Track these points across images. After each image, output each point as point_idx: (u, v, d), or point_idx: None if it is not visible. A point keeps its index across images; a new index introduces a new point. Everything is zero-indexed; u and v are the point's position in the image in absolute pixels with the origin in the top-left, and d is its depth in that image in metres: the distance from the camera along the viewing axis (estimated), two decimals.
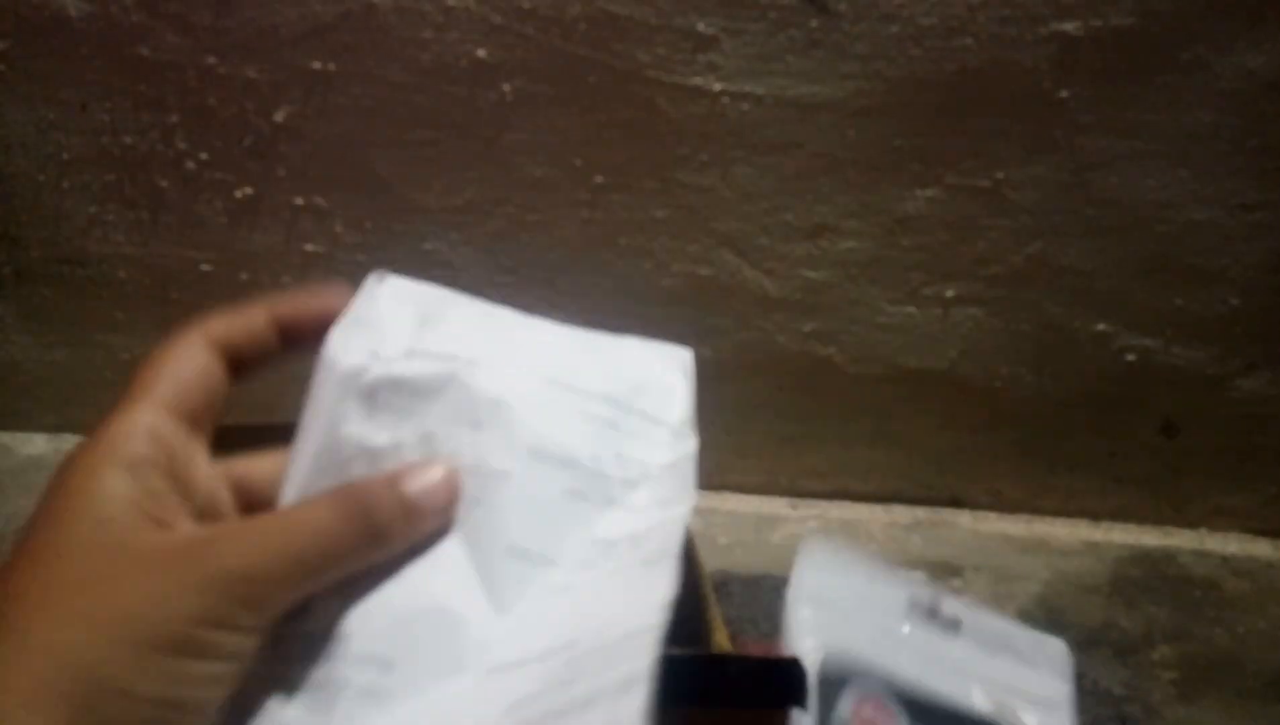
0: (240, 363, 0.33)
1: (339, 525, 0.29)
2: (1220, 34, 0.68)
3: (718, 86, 0.72)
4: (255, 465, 0.34)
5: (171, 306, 0.84)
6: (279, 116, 0.75)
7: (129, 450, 0.29)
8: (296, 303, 0.34)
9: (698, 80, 0.72)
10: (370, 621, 0.30)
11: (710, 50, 0.71)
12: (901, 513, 0.90)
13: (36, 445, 0.91)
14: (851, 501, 0.90)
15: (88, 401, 0.90)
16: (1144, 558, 0.87)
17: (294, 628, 0.29)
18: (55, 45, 0.73)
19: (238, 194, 0.78)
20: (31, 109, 0.76)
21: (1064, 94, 0.71)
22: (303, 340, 0.34)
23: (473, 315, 0.36)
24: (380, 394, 0.32)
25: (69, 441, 0.91)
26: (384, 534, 0.30)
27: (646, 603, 0.30)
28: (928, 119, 0.72)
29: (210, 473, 0.32)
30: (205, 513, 0.31)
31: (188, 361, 0.33)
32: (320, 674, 0.29)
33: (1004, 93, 0.71)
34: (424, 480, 0.31)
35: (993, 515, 0.90)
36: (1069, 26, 0.68)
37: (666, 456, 0.35)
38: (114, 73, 0.73)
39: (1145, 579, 0.85)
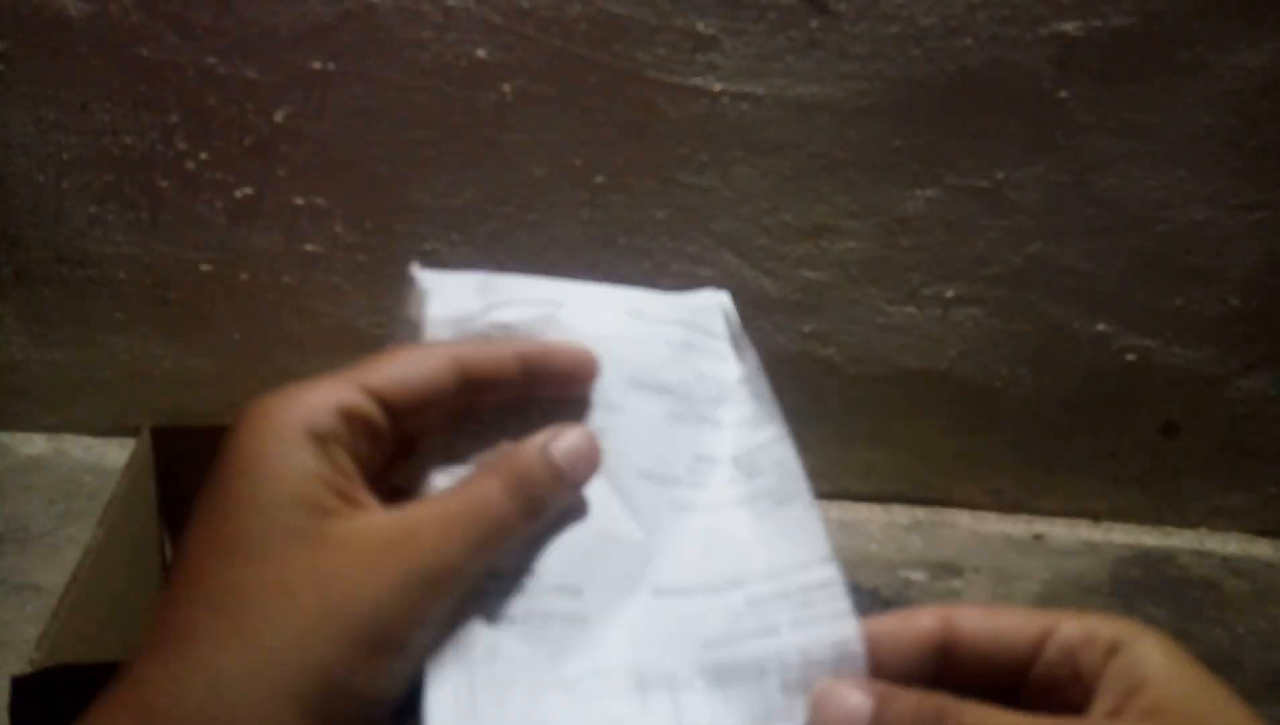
0: (482, 393, 0.32)
1: (508, 504, 0.29)
2: (1219, 35, 0.68)
3: (718, 86, 0.72)
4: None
5: (171, 306, 0.84)
6: (279, 116, 0.75)
7: (319, 423, 0.28)
8: (550, 352, 0.34)
9: (698, 80, 0.72)
10: (552, 554, 0.31)
11: (710, 50, 0.71)
12: (901, 513, 0.90)
13: (36, 445, 0.91)
14: (851, 501, 0.90)
15: (88, 401, 0.90)
16: (1144, 558, 0.87)
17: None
18: (55, 45, 0.73)
19: (238, 194, 0.78)
20: (31, 109, 0.76)
21: (1064, 94, 0.71)
22: (542, 387, 0.33)
23: (522, 279, 0.38)
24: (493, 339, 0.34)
25: (69, 441, 0.91)
26: (543, 506, 0.30)
27: (806, 547, 0.33)
28: (928, 119, 0.72)
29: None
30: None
31: (416, 364, 0.31)
32: (524, 608, 0.30)
33: (1004, 93, 0.71)
34: (570, 444, 0.31)
35: (993, 515, 0.90)
36: (1069, 26, 0.68)
37: (736, 371, 0.39)
38: (114, 73, 0.73)
39: (1145, 579, 0.85)
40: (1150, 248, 0.77)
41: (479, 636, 0.29)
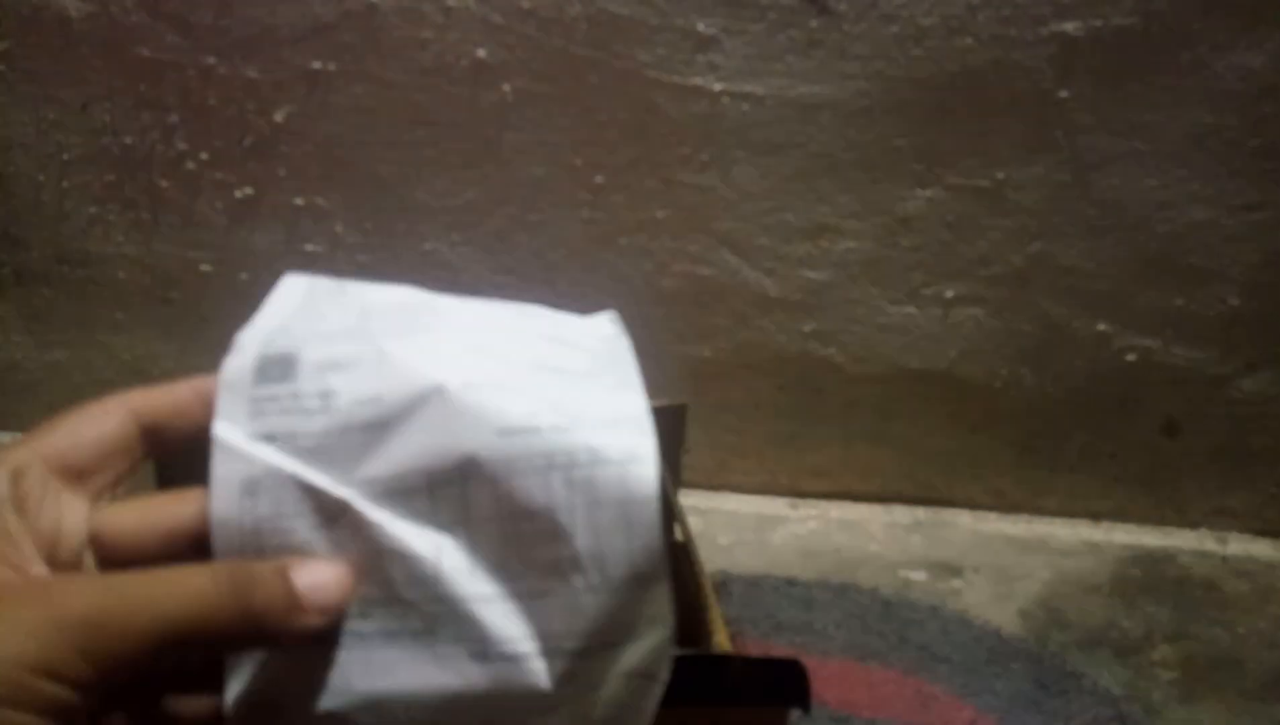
0: (163, 437, 0.32)
1: (214, 596, 0.27)
2: (1220, 35, 0.68)
3: (718, 86, 0.72)
4: (115, 518, 0.31)
5: (171, 306, 0.84)
6: (279, 116, 0.75)
7: None
8: (152, 396, 0.33)
9: (698, 80, 0.72)
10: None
11: (710, 50, 0.71)
12: (901, 513, 0.90)
13: None
14: (851, 501, 0.90)
15: (88, 402, 0.90)
16: (1144, 558, 0.87)
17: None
18: (55, 45, 0.73)
19: (238, 194, 0.78)
20: (31, 109, 0.76)
21: (1064, 94, 0.71)
22: (169, 441, 0.33)
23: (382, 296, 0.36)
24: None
25: None
26: (262, 619, 0.27)
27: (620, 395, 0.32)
28: (928, 119, 0.72)
29: (80, 534, 0.30)
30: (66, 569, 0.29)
31: (91, 421, 0.32)
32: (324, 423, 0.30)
33: (1004, 93, 0.71)
34: (314, 575, 0.28)
35: (993, 515, 0.90)
36: (1069, 26, 0.68)
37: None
38: (114, 73, 0.73)
39: (1145, 579, 0.85)
40: (1150, 248, 0.77)
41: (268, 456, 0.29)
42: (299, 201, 0.78)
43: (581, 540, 0.29)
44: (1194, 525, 0.91)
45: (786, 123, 0.73)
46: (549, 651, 0.29)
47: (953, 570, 0.84)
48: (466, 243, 0.79)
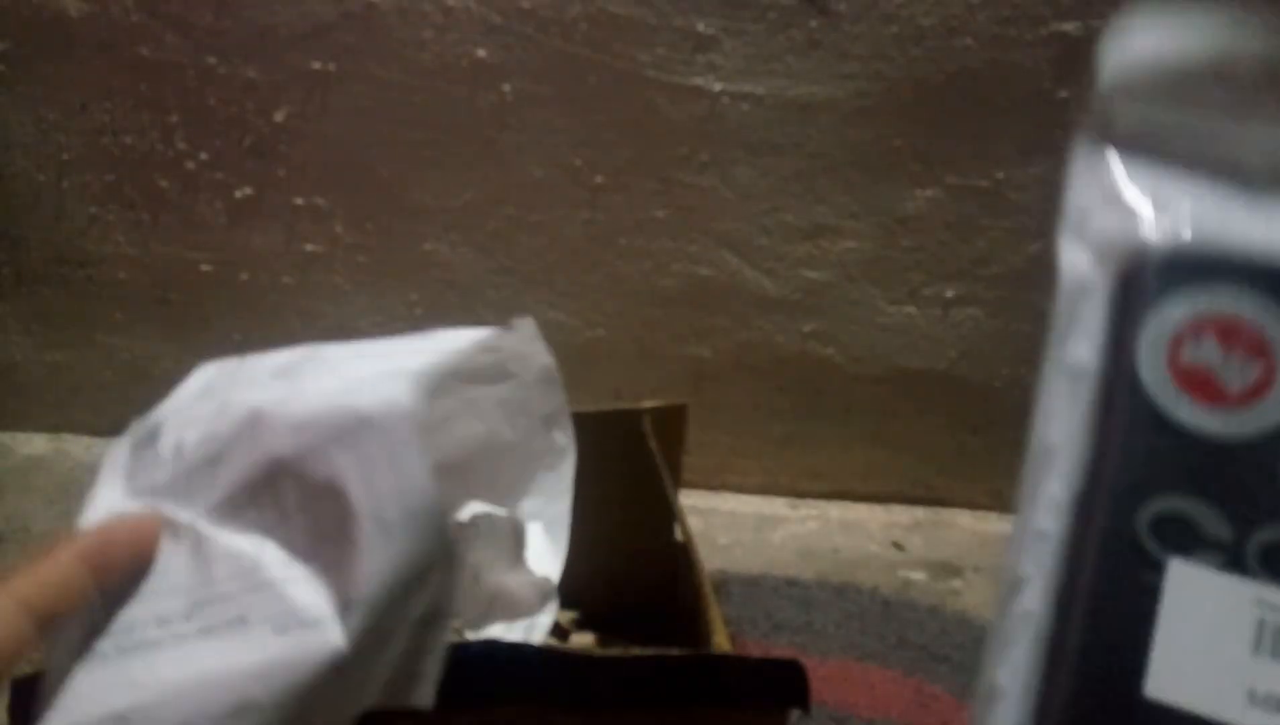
0: (56, 615, 0.31)
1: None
2: None
3: (718, 86, 0.72)
4: None
5: (171, 307, 0.84)
6: (279, 116, 0.75)
7: None
8: (106, 539, 0.33)
9: (698, 80, 0.72)
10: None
11: (710, 50, 0.71)
12: (901, 513, 0.90)
13: (36, 445, 0.91)
14: (851, 501, 0.90)
15: (88, 401, 0.90)
16: None
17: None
18: (55, 45, 0.73)
19: (238, 194, 0.78)
20: (31, 109, 0.76)
21: (1064, 94, 0.71)
22: (117, 578, 0.32)
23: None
24: None
25: (69, 441, 0.91)
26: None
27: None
28: (928, 119, 0.72)
29: None
30: None
31: None
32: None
33: (1004, 93, 0.71)
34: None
35: (993, 515, 0.90)
36: (1069, 26, 0.68)
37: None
38: (114, 73, 0.74)
39: None
40: None
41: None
42: (298, 201, 0.78)
43: (356, 494, 0.32)
44: None
45: (786, 123, 0.73)
46: (344, 611, 0.31)
47: (952, 570, 0.84)
48: (466, 243, 0.79)
